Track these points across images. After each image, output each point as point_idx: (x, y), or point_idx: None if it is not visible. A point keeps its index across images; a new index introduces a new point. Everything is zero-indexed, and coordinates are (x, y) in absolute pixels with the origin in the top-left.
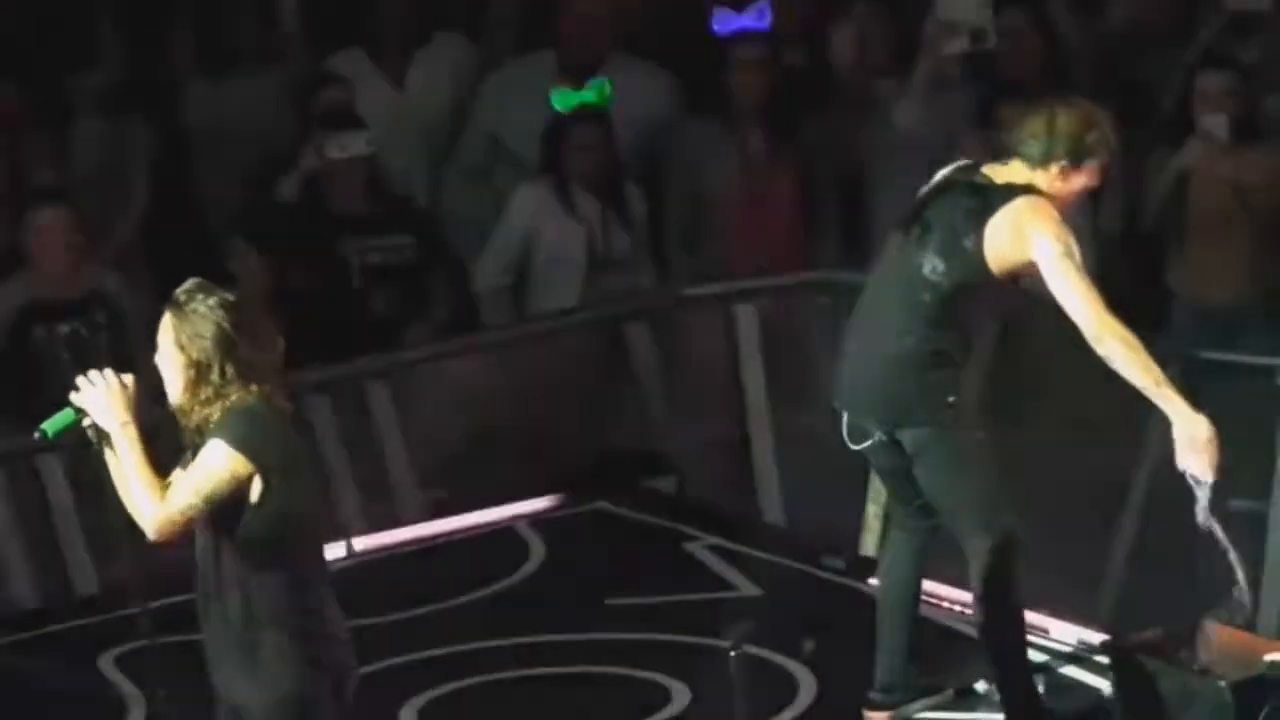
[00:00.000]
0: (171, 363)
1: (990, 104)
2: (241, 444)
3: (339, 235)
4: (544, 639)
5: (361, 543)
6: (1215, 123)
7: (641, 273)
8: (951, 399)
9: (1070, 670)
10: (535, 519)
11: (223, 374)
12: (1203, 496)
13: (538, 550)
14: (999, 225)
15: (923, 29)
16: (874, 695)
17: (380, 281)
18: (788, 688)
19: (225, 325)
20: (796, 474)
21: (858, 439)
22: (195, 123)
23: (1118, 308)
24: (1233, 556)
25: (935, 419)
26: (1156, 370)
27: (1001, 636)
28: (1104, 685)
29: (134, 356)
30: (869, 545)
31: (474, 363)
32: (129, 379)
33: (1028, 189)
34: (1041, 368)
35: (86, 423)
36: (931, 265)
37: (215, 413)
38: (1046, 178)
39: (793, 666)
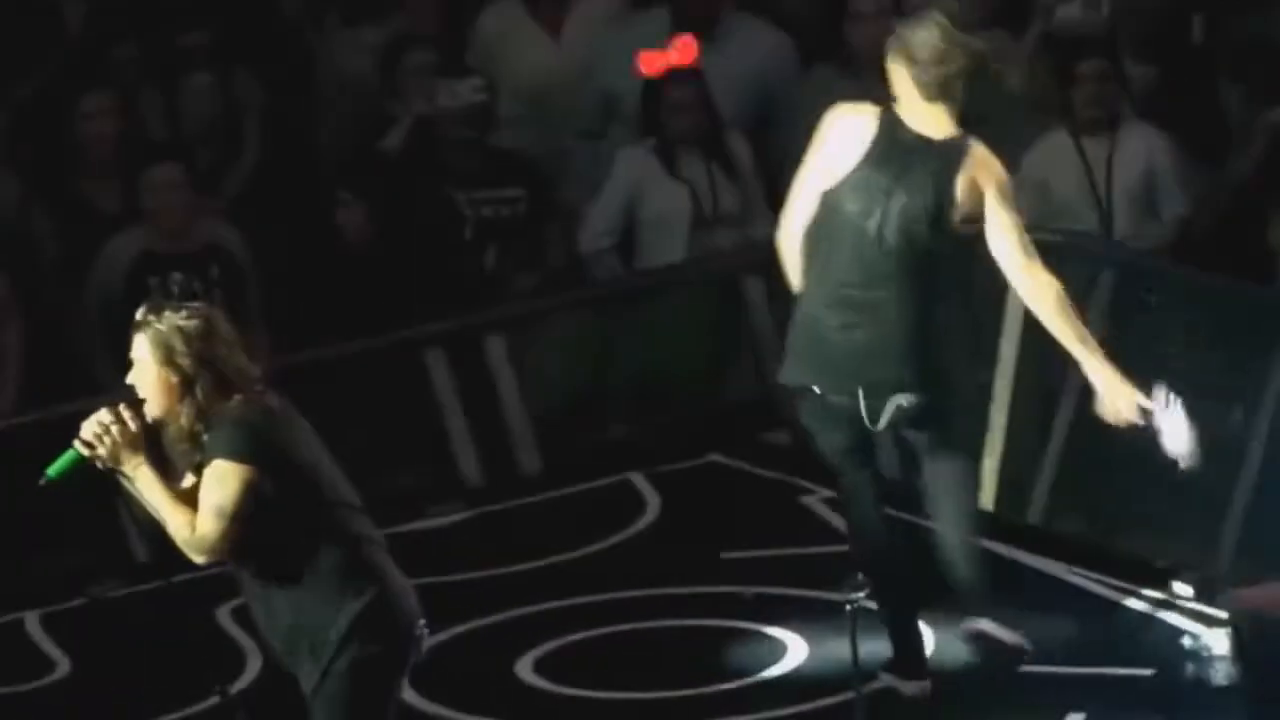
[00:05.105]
0: (154, 379)
1: None
2: (241, 454)
3: (450, 187)
4: (660, 592)
5: (479, 496)
6: None
7: (757, 225)
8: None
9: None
10: (651, 472)
11: (207, 386)
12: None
13: (653, 504)
14: (972, 181)
15: None
16: None
17: (491, 235)
18: None
19: (199, 338)
20: None
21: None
22: (313, 74)
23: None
24: None
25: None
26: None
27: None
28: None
29: (250, 308)
30: (983, 499)
31: (588, 317)
32: (126, 412)
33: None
34: None
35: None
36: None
37: (203, 428)
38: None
39: None
